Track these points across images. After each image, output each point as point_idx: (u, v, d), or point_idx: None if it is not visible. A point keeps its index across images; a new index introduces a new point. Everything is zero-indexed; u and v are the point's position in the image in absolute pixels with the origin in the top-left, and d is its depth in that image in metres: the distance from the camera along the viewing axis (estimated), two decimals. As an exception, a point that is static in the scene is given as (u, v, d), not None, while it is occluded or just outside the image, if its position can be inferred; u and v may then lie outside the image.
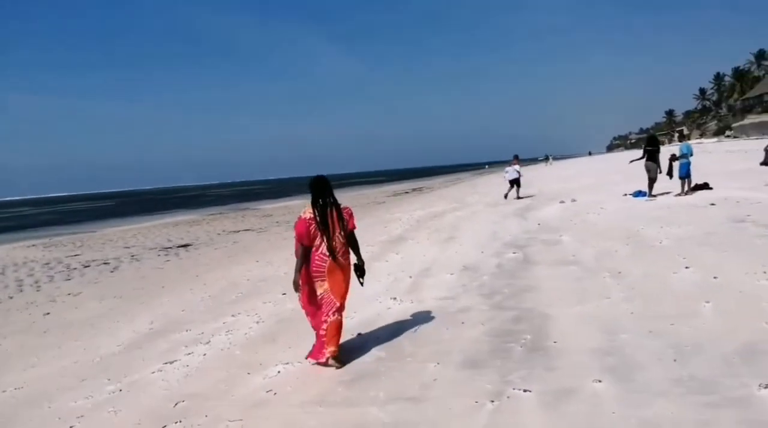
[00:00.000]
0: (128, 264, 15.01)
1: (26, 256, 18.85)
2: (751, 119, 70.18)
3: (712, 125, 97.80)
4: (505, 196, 19.28)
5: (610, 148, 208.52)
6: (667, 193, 14.45)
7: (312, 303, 4.61)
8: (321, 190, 4.48)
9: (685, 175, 13.87)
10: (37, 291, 11.79)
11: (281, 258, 11.58)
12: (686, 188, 13.86)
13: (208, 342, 5.67)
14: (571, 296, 5.72)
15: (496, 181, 38.94)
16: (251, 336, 5.72)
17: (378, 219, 18.24)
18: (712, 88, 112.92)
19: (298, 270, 4.53)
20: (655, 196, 14.22)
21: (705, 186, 14.37)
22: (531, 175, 41.65)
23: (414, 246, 10.69)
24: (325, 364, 4.56)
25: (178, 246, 18.25)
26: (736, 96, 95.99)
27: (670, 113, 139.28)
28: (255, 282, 9.02)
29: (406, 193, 42.92)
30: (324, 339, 4.53)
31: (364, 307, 6.16)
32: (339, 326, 4.60)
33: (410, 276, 7.63)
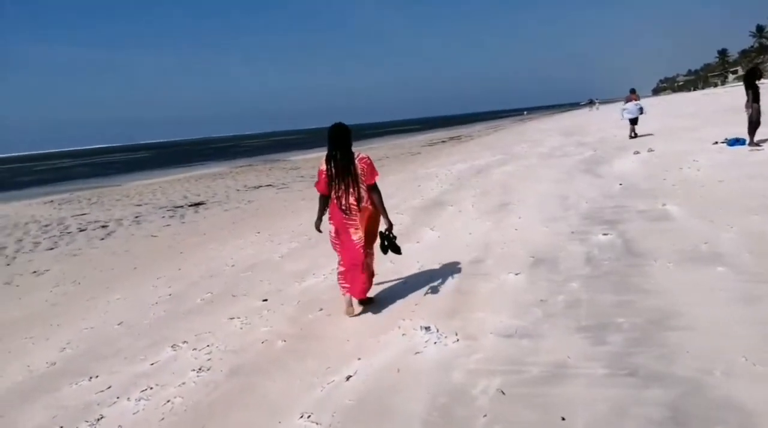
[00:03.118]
0: (125, 229, 13.24)
1: (33, 215, 17.73)
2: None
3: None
4: (632, 136, 17.33)
5: (656, 92, 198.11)
6: (766, 140, 11.34)
7: (334, 241, 4.52)
8: (335, 140, 4.22)
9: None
10: (8, 264, 10.00)
11: (287, 230, 9.21)
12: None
13: (97, 422, 3.27)
14: (762, 343, 3.08)
15: (543, 127, 35.62)
16: (169, 419, 3.25)
17: (411, 176, 15.58)
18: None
19: (319, 215, 4.57)
20: (759, 144, 11.16)
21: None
22: (580, 120, 38.00)
23: (455, 218, 8.08)
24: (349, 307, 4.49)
25: (190, 205, 16.71)
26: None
27: (723, 53, 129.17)
28: (238, 271, 6.62)
29: (443, 142, 39.81)
30: (342, 282, 4.51)
31: (373, 347, 3.69)
32: (357, 271, 4.40)
33: (452, 276, 5.06)
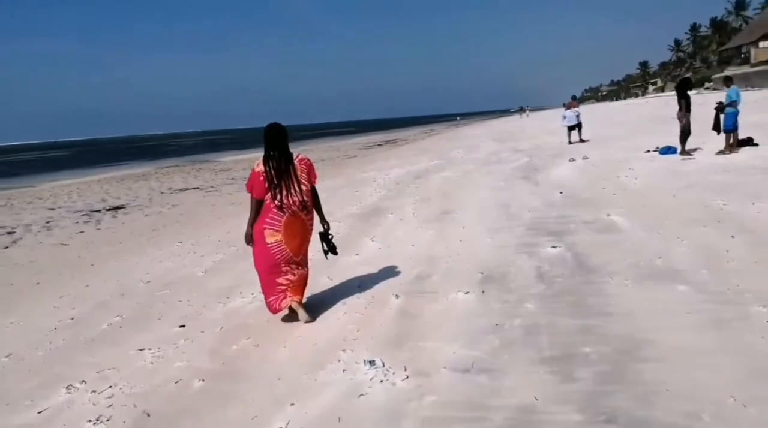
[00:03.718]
0: (33, 235, 11.99)
1: None
2: (732, 70, 67.97)
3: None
4: (570, 143, 17.88)
5: (581, 100, 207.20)
6: (695, 149, 11.67)
7: (263, 257, 4.19)
8: (272, 140, 4.06)
9: (732, 128, 11.04)
10: None
11: (212, 239, 8.47)
12: (732, 143, 11.07)
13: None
14: (746, 377, 2.76)
15: (477, 133, 36.05)
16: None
17: (348, 180, 15.05)
18: (687, 39, 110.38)
19: (250, 224, 4.22)
20: (690, 153, 11.44)
21: (749, 141, 11.64)
22: (511, 127, 38.78)
23: (396, 226, 7.62)
24: (290, 316, 4.29)
25: (108, 209, 15.48)
26: (714, 47, 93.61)
27: (644, 65, 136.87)
28: (154, 289, 5.85)
29: (379, 145, 39.54)
30: (284, 290, 4.20)
31: (309, 388, 3.14)
32: (304, 279, 4.36)
33: (396, 295, 4.57)
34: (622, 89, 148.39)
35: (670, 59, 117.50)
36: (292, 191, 4.04)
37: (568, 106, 19.01)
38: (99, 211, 15.25)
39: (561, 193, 8.66)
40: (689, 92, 11.81)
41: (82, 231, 11.94)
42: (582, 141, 17.86)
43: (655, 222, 6.06)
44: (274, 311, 4.28)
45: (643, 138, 16.41)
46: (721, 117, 11.25)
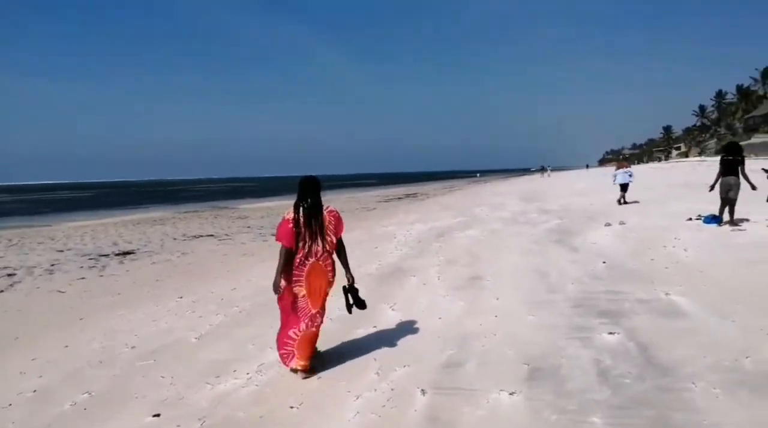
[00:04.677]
0: (33, 279, 11.45)
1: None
2: (760, 138, 67.05)
3: (712, 143, 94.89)
4: (620, 202, 17.11)
5: (602, 162, 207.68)
6: (741, 219, 10.68)
7: (289, 305, 4.22)
8: (305, 190, 4.18)
9: (787, 198, 10.12)
10: None
11: (216, 296, 7.68)
12: (787, 215, 10.12)
13: None
14: None
15: (499, 190, 35.33)
16: None
17: (367, 234, 14.29)
18: (712, 106, 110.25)
19: (279, 273, 4.13)
20: (737, 223, 10.48)
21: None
22: (535, 185, 38.03)
23: (420, 292, 6.77)
24: (295, 372, 4.25)
25: (117, 254, 14.94)
26: (740, 114, 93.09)
27: (667, 129, 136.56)
28: (138, 357, 5.02)
29: (399, 198, 39.01)
30: (292, 347, 4.22)
31: None
32: (312, 339, 4.30)
33: (422, 391, 3.66)
34: (644, 153, 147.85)
35: (694, 125, 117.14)
36: (317, 240, 4.12)
37: (618, 166, 18.50)
38: (107, 255, 14.74)
39: (604, 262, 7.76)
40: (733, 157, 10.84)
41: (83, 278, 11.30)
42: (625, 202, 17.17)
43: (725, 307, 5.13)
44: (285, 364, 4.33)
45: (678, 203, 15.53)
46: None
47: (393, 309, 5.98)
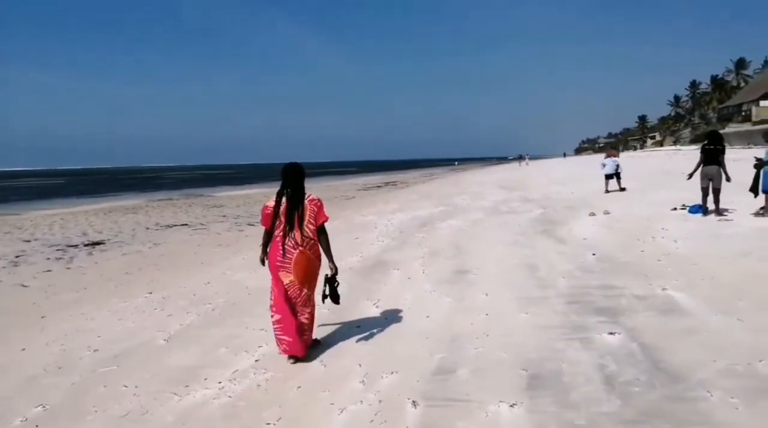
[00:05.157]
0: None
1: None
2: (734, 128, 68.02)
3: (686, 133, 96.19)
4: (606, 191, 17.13)
5: (578, 151, 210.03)
6: (726, 209, 10.53)
7: (280, 293, 4.22)
8: (289, 178, 4.24)
9: (772, 189, 9.96)
10: None
11: (188, 292, 7.25)
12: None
13: None
14: None
15: (479, 179, 35.13)
16: None
17: (346, 224, 13.88)
18: (687, 96, 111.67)
19: (263, 250, 4.37)
20: (725, 214, 10.33)
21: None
22: (514, 174, 37.94)
23: (404, 287, 6.42)
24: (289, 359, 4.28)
25: (86, 244, 14.32)
26: (714, 104, 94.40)
27: (642, 119, 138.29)
28: (100, 362, 4.54)
29: (378, 186, 38.61)
30: (284, 334, 4.22)
31: None
32: (300, 326, 4.26)
33: (413, 403, 3.31)
34: (620, 142, 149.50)
35: (669, 114, 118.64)
36: (296, 228, 4.15)
37: (607, 154, 18.54)
38: (76, 246, 14.10)
39: (593, 254, 7.50)
40: (714, 147, 10.60)
41: (49, 270, 10.70)
42: (621, 189, 17.18)
43: (726, 304, 4.88)
44: (282, 352, 4.33)
45: (659, 192, 15.51)
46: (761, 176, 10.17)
47: (377, 306, 5.64)
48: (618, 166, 17.59)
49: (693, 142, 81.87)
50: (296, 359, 4.24)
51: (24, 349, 5.31)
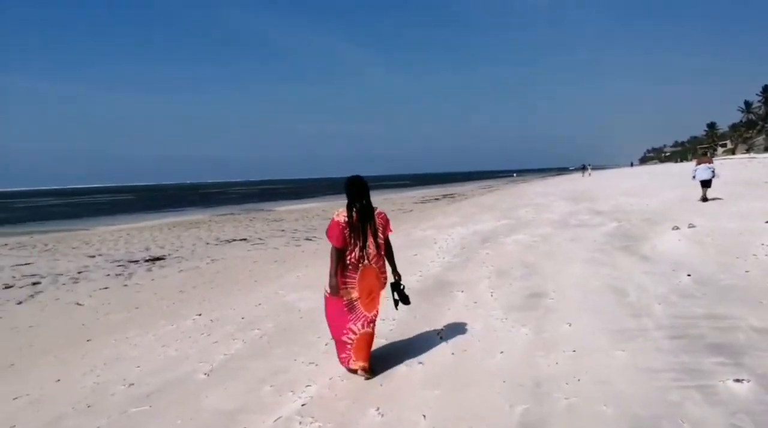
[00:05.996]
0: (56, 288, 11.08)
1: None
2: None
3: (760, 140, 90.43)
4: (703, 200, 16.09)
5: (643, 160, 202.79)
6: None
7: (335, 309, 4.18)
8: (358, 192, 4.12)
9: None
10: None
11: (237, 315, 6.78)
12: None
13: None
14: None
15: (541, 190, 33.73)
16: None
17: (404, 239, 13.24)
18: (759, 101, 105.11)
19: (333, 274, 4.11)
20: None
21: None
22: (579, 185, 36.28)
23: (472, 314, 5.67)
24: (354, 372, 4.21)
25: (147, 260, 14.38)
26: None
27: (711, 126, 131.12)
28: (133, 400, 4.07)
29: (437, 199, 37.81)
30: (350, 350, 4.16)
31: None
32: (369, 339, 4.22)
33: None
34: (687, 150, 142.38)
35: (740, 121, 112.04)
36: (369, 243, 4.11)
37: (699, 161, 17.27)
38: (137, 261, 14.22)
39: (689, 275, 6.53)
40: None
41: (106, 288, 10.65)
42: (706, 199, 16.04)
43: None
44: (345, 366, 4.27)
45: (744, 202, 14.11)
46: None
47: (441, 338, 4.92)
48: (713, 171, 16.42)
49: (767, 149, 76.75)
50: (367, 374, 4.17)
51: (59, 380, 4.94)
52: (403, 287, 4.48)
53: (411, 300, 4.63)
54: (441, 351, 4.58)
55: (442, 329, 5.21)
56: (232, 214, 33.80)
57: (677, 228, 10.65)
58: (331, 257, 4.09)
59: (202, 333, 6.02)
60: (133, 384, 4.53)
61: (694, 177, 16.83)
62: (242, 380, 4.32)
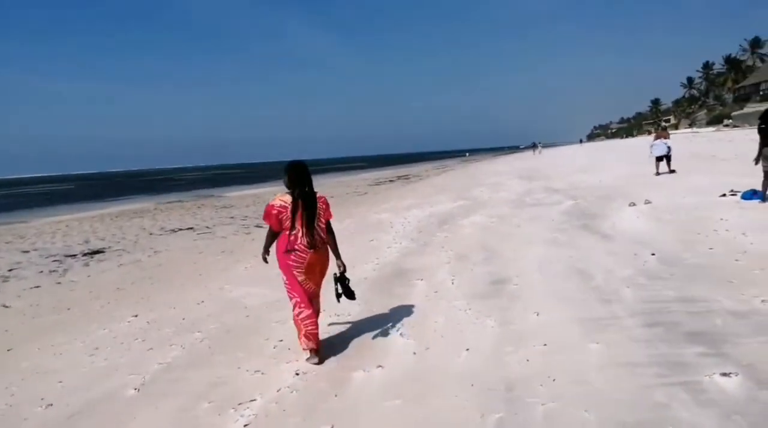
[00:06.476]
0: None
1: None
2: (753, 107, 65.86)
3: (702, 115, 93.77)
4: (657, 174, 16.40)
5: (591, 137, 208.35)
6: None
7: (298, 285, 4.15)
8: (301, 178, 4.09)
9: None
10: None
11: (177, 315, 6.18)
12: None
13: None
14: None
15: (495, 169, 33.80)
16: None
17: (359, 223, 12.77)
18: (700, 77, 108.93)
19: (265, 248, 4.37)
20: (783, 199, 9.11)
21: None
22: (531, 163, 36.56)
23: (433, 305, 5.28)
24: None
25: (85, 254, 13.44)
26: (729, 84, 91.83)
27: (655, 102, 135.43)
28: (51, 423, 3.55)
29: (391, 181, 37.39)
30: (310, 329, 4.16)
31: None
32: (316, 319, 4.21)
33: None
34: (633, 127, 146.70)
35: (683, 96, 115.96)
36: (312, 228, 4.08)
37: (656, 136, 17.58)
38: (74, 255, 13.25)
39: (653, 254, 6.33)
40: None
41: (37, 286, 9.76)
42: (671, 171, 16.35)
43: None
44: (311, 349, 4.19)
45: (695, 177, 14.22)
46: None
47: (401, 335, 4.50)
48: (669, 148, 16.66)
49: (710, 123, 79.65)
50: (318, 358, 4.14)
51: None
52: (348, 281, 4.36)
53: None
54: (402, 351, 4.15)
55: (401, 324, 4.79)
56: (179, 201, 32.44)
57: (634, 204, 10.58)
58: (267, 234, 4.28)
59: (137, 339, 5.41)
60: (51, 404, 3.91)
61: (651, 152, 17.05)
62: (177, 395, 3.78)
